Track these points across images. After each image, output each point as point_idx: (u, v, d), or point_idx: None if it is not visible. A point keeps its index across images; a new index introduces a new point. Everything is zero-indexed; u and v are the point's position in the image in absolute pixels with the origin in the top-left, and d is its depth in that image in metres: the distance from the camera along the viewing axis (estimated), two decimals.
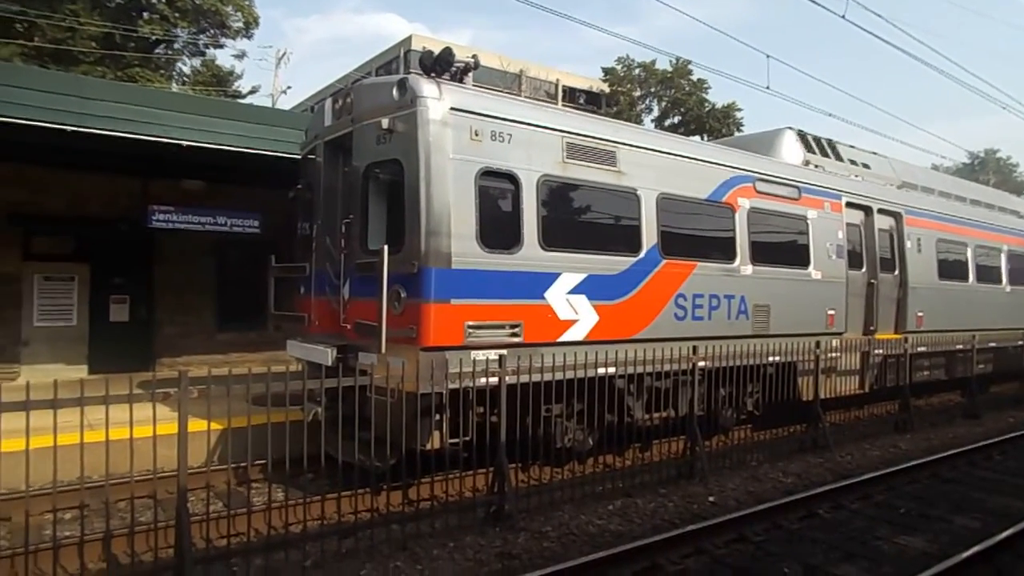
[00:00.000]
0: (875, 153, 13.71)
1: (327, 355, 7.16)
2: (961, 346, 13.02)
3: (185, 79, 31.22)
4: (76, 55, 24.89)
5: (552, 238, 7.44)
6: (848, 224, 11.20)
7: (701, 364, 8.10)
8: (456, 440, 6.60)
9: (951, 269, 13.46)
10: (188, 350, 13.30)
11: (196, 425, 5.23)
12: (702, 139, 33.01)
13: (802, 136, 11.89)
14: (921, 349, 12.11)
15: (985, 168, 56.37)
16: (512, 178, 7.22)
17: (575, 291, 7.56)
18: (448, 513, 6.16)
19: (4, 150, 10.47)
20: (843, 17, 13.02)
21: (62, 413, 4.57)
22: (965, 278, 13.95)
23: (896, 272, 12.17)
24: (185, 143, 9.66)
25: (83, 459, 4.78)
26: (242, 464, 6.70)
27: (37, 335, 12.24)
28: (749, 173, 9.69)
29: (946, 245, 13.42)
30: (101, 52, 25.57)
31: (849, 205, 11.26)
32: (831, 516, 6.80)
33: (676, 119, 41.55)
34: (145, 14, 27.22)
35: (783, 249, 10.29)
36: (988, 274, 14.63)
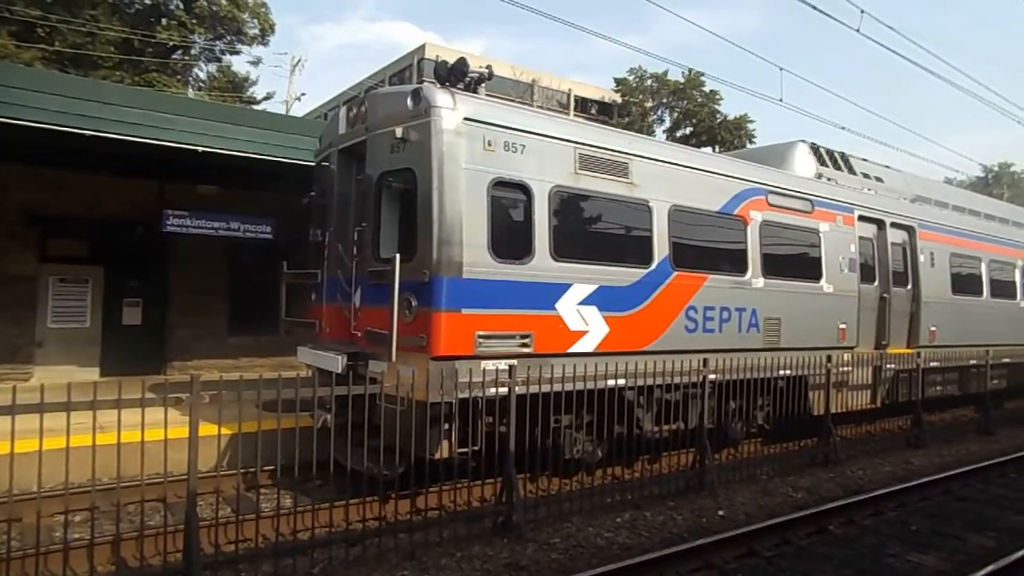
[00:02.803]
0: (888, 166, 13.65)
1: (338, 362, 7.18)
2: (975, 361, 12.90)
3: (201, 84, 31.61)
4: (95, 60, 25.23)
5: (563, 249, 7.44)
6: (861, 238, 11.14)
7: (711, 377, 8.06)
8: (465, 450, 6.59)
9: (965, 284, 13.35)
10: (199, 354, 13.39)
11: (206, 429, 5.24)
12: (714, 151, 32.99)
13: (815, 149, 11.85)
14: (934, 364, 12.00)
15: (999, 182, 55.98)
16: (524, 188, 7.23)
17: (586, 302, 7.55)
18: (456, 523, 6.14)
19: (24, 152, 10.62)
20: (858, 31, 13.00)
21: (74, 415, 4.61)
22: (979, 293, 13.83)
23: (909, 286, 12.08)
24: (201, 148, 9.76)
25: (95, 461, 4.81)
26: (251, 469, 6.72)
27: (51, 336, 12.36)
28: (761, 186, 9.66)
29: (960, 259, 13.32)
30: (119, 57, 25.90)
31: (862, 219, 11.20)
32: (842, 532, 6.73)
33: (688, 130, 41.57)
34: (163, 20, 27.59)
35: (795, 262, 10.24)
36: (1003, 289, 14.50)
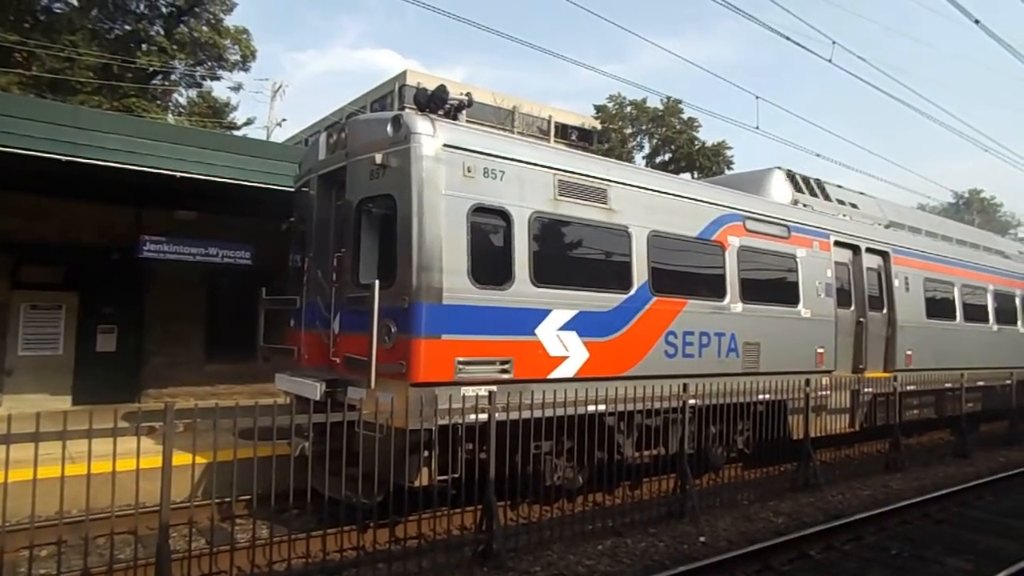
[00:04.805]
0: (863, 193, 13.92)
1: (316, 389, 7.09)
2: (950, 384, 13.06)
3: (181, 110, 31.51)
4: (73, 85, 25.09)
5: (543, 274, 7.47)
6: (837, 263, 11.30)
7: (691, 402, 8.07)
8: (444, 477, 6.51)
9: (939, 308, 13.56)
10: (175, 381, 13.17)
11: (180, 459, 5.14)
12: (692, 177, 33.46)
13: (791, 175, 12.07)
14: (910, 388, 12.13)
15: (970, 208, 57.29)
16: (504, 214, 7.27)
17: (566, 328, 7.56)
18: (435, 551, 6.05)
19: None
20: (830, 61, 13.37)
21: (43, 445, 4.49)
22: (953, 317, 14.05)
23: (884, 311, 12.25)
24: (179, 174, 9.70)
25: (63, 493, 4.69)
26: (226, 499, 6.58)
27: (21, 364, 12.10)
28: (739, 212, 9.80)
29: (933, 284, 13.55)
30: (98, 82, 25.78)
31: (837, 244, 11.38)
32: (822, 557, 6.73)
33: (667, 156, 42.14)
34: (144, 46, 27.56)
35: (773, 287, 10.35)
36: (975, 313, 14.75)
